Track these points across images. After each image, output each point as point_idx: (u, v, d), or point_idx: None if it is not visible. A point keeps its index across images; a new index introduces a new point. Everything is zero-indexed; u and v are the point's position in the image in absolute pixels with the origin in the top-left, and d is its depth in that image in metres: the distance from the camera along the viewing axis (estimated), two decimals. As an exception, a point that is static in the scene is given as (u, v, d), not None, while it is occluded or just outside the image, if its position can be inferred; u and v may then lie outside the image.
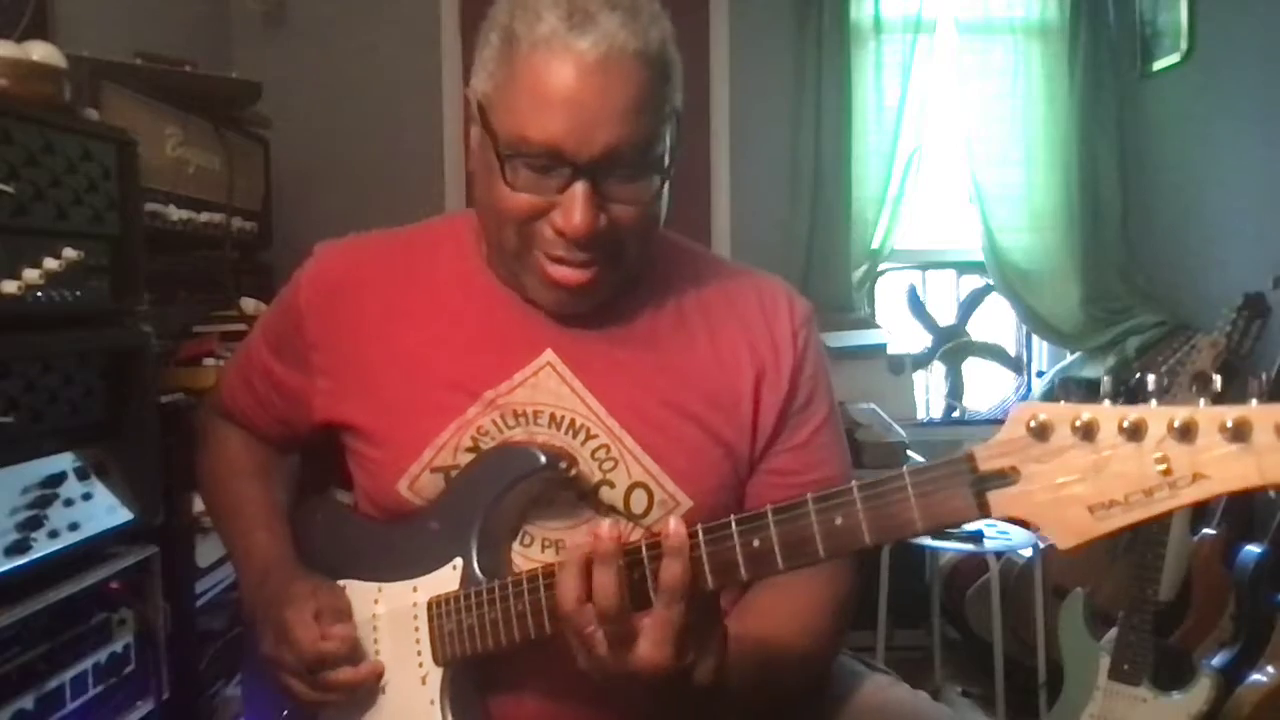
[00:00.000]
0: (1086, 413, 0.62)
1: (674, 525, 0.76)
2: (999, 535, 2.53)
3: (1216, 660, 2.08)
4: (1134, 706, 2.04)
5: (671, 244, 1.08)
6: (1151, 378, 0.63)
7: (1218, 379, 0.61)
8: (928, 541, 2.50)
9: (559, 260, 0.93)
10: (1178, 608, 2.28)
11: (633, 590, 0.78)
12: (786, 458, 1.03)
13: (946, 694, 2.67)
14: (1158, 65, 3.08)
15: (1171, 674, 2.05)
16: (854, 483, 0.72)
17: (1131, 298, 3.20)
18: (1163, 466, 0.60)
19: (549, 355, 1.00)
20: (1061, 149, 3.22)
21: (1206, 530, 2.29)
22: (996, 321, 3.49)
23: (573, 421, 0.99)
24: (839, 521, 0.73)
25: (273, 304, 1.17)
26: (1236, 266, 2.70)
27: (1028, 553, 2.55)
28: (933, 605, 2.78)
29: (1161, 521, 2.05)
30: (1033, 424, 0.64)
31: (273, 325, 1.13)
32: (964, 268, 3.49)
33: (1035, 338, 3.47)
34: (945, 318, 3.34)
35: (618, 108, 0.88)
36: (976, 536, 2.47)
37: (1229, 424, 0.58)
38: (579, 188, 0.89)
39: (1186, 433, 0.59)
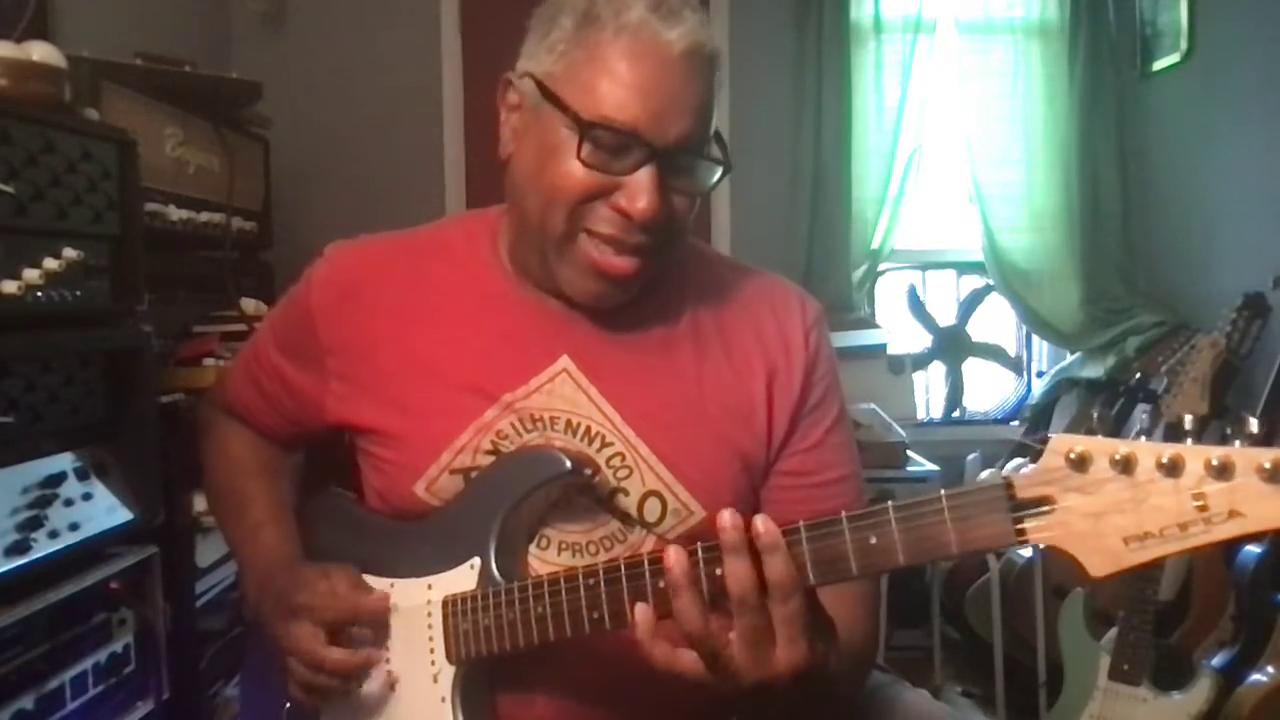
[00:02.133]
0: (1125, 447, 0.64)
1: (763, 524, 0.75)
2: (999, 535, 2.53)
3: (1216, 660, 2.08)
4: (1134, 706, 2.04)
5: (688, 248, 1.08)
6: (1189, 416, 0.64)
7: (1254, 422, 0.64)
8: (928, 541, 2.50)
9: (609, 242, 0.93)
10: (1178, 608, 2.28)
11: (712, 592, 0.77)
12: (800, 459, 1.03)
13: (946, 694, 2.67)
14: (1158, 65, 3.08)
15: (1171, 674, 2.05)
16: (889, 503, 0.73)
17: (1131, 298, 3.20)
18: (1199, 503, 0.62)
19: (565, 361, 1.00)
20: (1061, 149, 3.22)
21: (1207, 530, 2.29)
22: (996, 321, 3.49)
23: (588, 429, 0.98)
24: (873, 541, 0.73)
25: (281, 303, 1.16)
26: (1236, 266, 2.70)
27: (1028, 553, 2.55)
28: (933, 605, 2.78)
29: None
30: (1072, 455, 0.66)
31: (283, 326, 1.12)
32: (964, 268, 3.49)
33: (1035, 338, 3.47)
34: (945, 318, 3.34)
35: (694, 99, 0.91)
36: (976, 536, 2.47)
37: (1266, 465, 0.61)
38: (648, 171, 0.90)
39: (1224, 471, 0.61)
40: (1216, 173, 2.88)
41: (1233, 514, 0.61)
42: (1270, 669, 2.00)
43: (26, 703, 1.17)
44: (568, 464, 0.94)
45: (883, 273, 3.37)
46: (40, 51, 1.27)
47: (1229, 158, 2.83)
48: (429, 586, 0.98)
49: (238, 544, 1.14)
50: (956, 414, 3.41)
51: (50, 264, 1.22)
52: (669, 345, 1.02)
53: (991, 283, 3.33)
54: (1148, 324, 3.11)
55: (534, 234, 0.97)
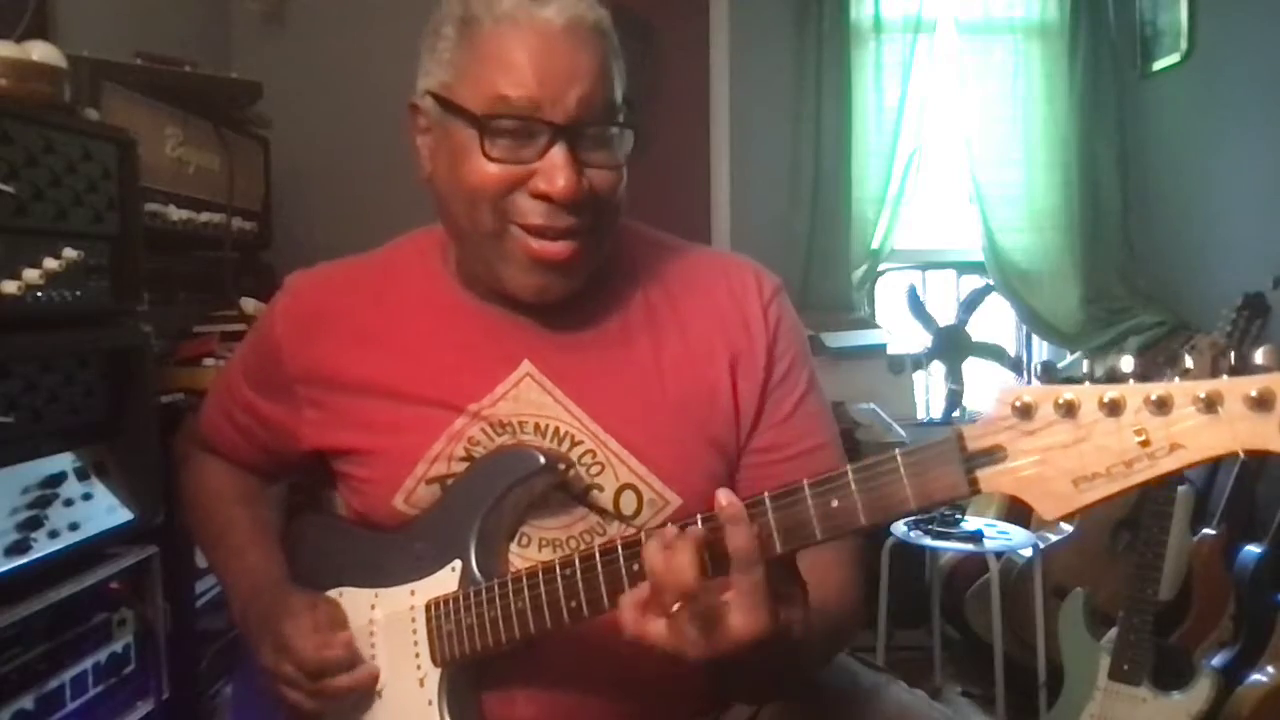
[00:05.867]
0: (1068, 392, 0.66)
1: (725, 498, 0.76)
2: (999, 535, 2.53)
3: (1216, 660, 2.08)
4: (1134, 706, 2.04)
5: (634, 235, 1.08)
6: (1128, 358, 0.66)
7: (1188, 358, 0.66)
8: (928, 541, 2.50)
9: (540, 232, 0.93)
10: (1178, 608, 2.28)
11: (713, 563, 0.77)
12: (773, 434, 1.03)
13: (946, 694, 2.67)
14: (1158, 65, 3.08)
15: (1171, 674, 2.05)
16: (848, 466, 0.74)
17: (1131, 298, 3.20)
18: (1141, 438, 0.64)
19: (527, 366, 1.00)
20: (1061, 149, 3.22)
21: (1206, 530, 2.30)
22: (996, 321, 3.49)
23: (556, 429, 0.99)
24: (835, 504, 0.74)
25: (248, 336, 1.17)
26: (1236, 266, 2.70)
27: (1028, 553, 2.55)
28: (933, 605, 2.78)
29: (1161, 522, 2.05)
30: (1017, 404, 0.67)
31: (251, 360, 1.14)
32: (964, 268, 3.49)
33: (1035, 338, 3.47)
34: (945, 318, 3.34)
35: (587, 68, 0.91)
36: (976, 536, 2.47)
37: (1201, 395, 0.62)
38: (558, 150, 0.90)
39: (1162, 406, 0.63)
40: (1216, 173, 2.88)
41: (1174, 447, 0.63)
42: (1270, 669, 2.00)
43: (26, 703, 1.17)
44: (541, 460, 0.95)
45: (883, 273, 3.36)
46: (40, 51, 1.27)
47: (1229, 158, 2.83)
48: (412, 593, 0.99)
49: (222, 568, 1.15)
50: (956, 414, 3.40)
51: (50, 264, 1.22)
52: (626, 338, 1.02)
53: (991, 283, 3.33)
54: (1148, 324, 3.11)
55: (469, 240, 0.98)
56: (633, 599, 0.79)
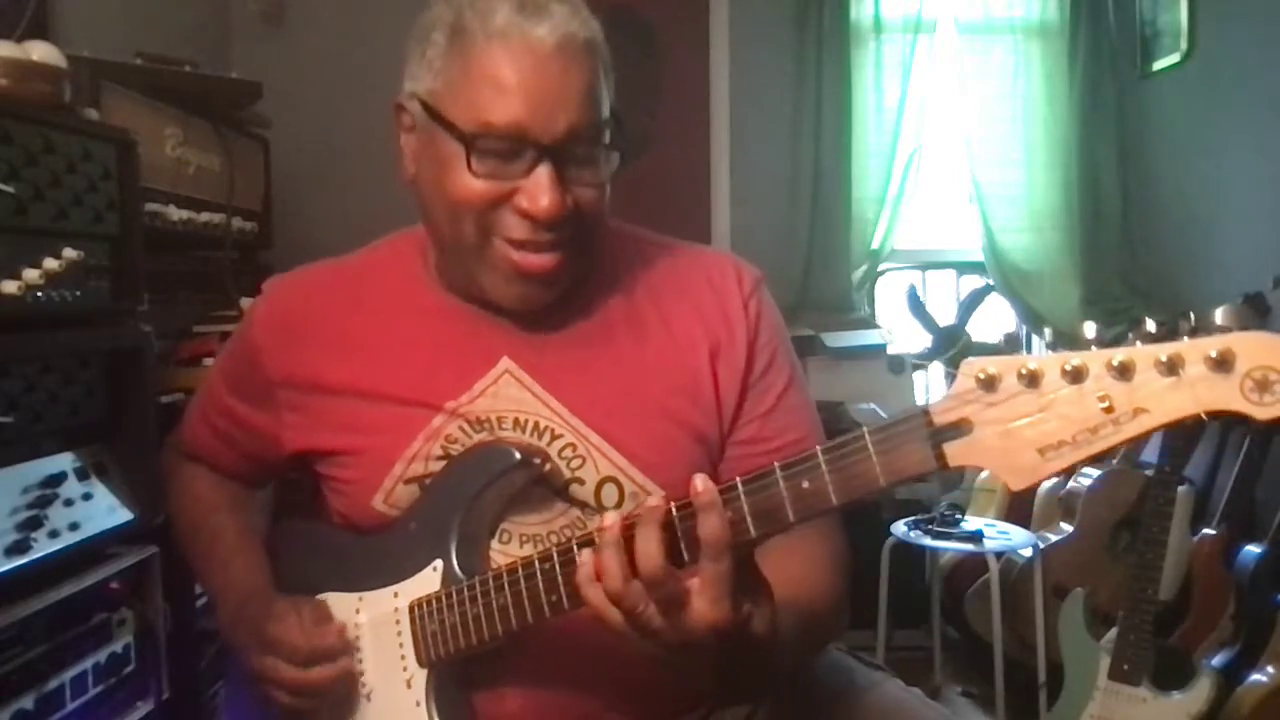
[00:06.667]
0: (1031, 362, 0.66)
1: (701, 483, 0.76)
2: (999, 535, 2.53)
3: (1216, 660, 2.08)
4: (1134, 706, 2.04)
5: (614, 231, 1.08)
6: (1090, 324, 0.65)
7: (1151, 323, 0.64)
8: (928, 541, 2.50)
9: (523, 245, 0.94)
10: (1178, 608, 2.28)
11: (671, 553, 0.77)
12: (754, 426, 1.04)
13: (946, 694, 2.67)
14: (1158, 65, 3.08)
15: (1171, 674, 2.05)
16: (818, 447, 0.74)
17: (1131, 298, 3.20)
18: (1104, 405, 0.63)
19: (506, 363, 1.01)
20: (1061, 149, 3.22)
21: (1206, 530, 2.29)
22: (996, 321, 3.49)
23: (536, 424, 1.00)
24: (806, 485, 0.74)
25: (228, 343, 1.18)
26: (1236, 266, 2.70)
27: (1028, 553, 2.55)
28: (933, 605, 2.78)
29: (1161, 522, 2.05)
30: (981, 376, 0.67)
31: (231, 366, 1.14)
32: (964, 268, 3.49)
33: (1035, 338, 3.47)
34: (945, 318, 3.34)
35: (577, 90, 0.91)
36: (976, 536, 2.47)
37: (1163, 359, 0.61)
38: (544, 170, 0.91)
39: (1124, 371, 0.62)
40: (1216, 173, 2.88)
41: (1138, 411, 0.62)
42: (1270, 669, 2.00)
43: (26, 703, 1.17)
44: (517, 455, 0.95)
45: (883, 273, 3.37)
46: (40, 51, 1.27)
47: (1229, 158, 2.83)
48: (395, 595, 0.99)
49: (209, 577, 1.16)
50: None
51: (50, 264, 1.21)
52: (606, 333, 1.03)
53: (991, 283, 3.33)
54: (1148, 324, 3.11)
55: (451, 247, 0.99)
56: (592, 576, 0.78)
